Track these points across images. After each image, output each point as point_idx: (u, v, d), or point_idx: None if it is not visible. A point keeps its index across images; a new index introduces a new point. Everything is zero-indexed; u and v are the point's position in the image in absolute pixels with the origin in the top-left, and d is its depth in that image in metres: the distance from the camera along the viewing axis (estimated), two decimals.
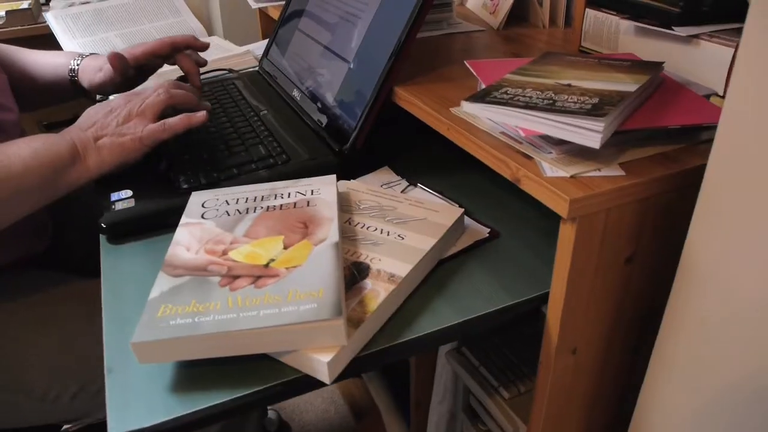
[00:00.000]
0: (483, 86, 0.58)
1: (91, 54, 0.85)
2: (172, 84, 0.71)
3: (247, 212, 0.56)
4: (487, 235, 0.59)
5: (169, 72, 0.89)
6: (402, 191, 0.67)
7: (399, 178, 0.69)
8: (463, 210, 0.58)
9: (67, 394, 0.68)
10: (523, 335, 0.78)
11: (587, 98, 0.47)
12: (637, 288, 0.52)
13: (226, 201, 0.58)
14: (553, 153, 0.49)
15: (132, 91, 0.70)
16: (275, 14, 1.12)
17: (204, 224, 0.55)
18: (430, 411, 0.97)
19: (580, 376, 0.55)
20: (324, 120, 0.74)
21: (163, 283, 0.47)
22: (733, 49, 0.58)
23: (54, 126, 1.47)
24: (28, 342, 0.67)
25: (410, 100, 0.63)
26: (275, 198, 0.58)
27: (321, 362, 0.42)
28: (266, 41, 1.18)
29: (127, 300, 0.53)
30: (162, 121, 0.66)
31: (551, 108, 0.46)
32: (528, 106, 0.47)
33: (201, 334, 0.41)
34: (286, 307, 0.43)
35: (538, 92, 0.50)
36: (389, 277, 0.49)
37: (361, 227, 0.56)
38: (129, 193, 0.65)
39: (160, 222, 0.63)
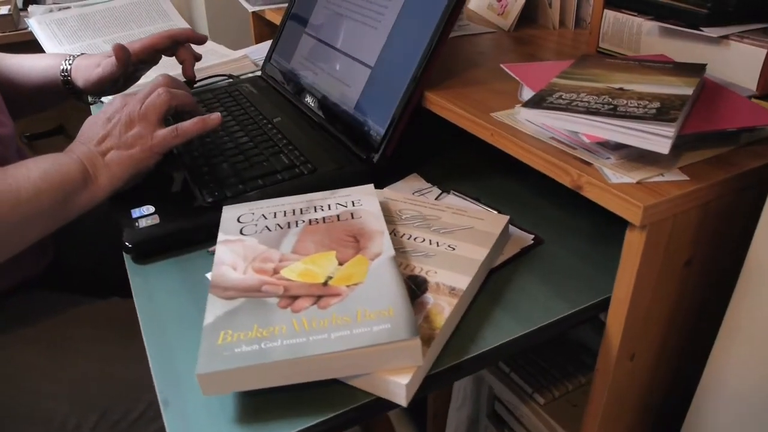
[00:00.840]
0: (526, 90, 0.57)
1: (81, 54, 0.81)
2: (169, 82, 0.67)
3: (289, 226, 0.54)
4: (532, 241, 0.58)
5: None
6: (436, 198, 0.65)
7: (429, 185, 0.68)
8: (508, 217, 0.57)
9: (88, 423, 0.64)
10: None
11: (647, 102, 0.47)
12: (693, 291, 0.52)
13: (263, 215, 0.56)
14: (612, 158, 0.48)
15: (124, 93, 0.65)
16: (272, 17, 1.09)
17: (245, 241, 0.52)
18: (448, 417, 0.96)
19: (635, 381, 0.54)
20: (346, 127, 0.72)
21: (216, 306, 0.44)
22: (765, 50, 0.58)
23: (36, 137, 1.40)
24: (45, 369, 0.63)
25: (445, 105, 0.62)
26: (315, 211, 0.56)
27: (399, 385, 0.40)
28: (261, 45, 1.15)
29: (167, 325, 0.50)
30: (173, 126, 0.63)
31: (614, 113, 0.45)
32: (589, 111, 0.46)
33: (271, 361, 0.39)
34: (357, 329, 0.41)
35: (594, 97, 0.49)
36: (450, 291, 0.48)
37: (408, 238, 0.54)
38: (151, 209, 0.62)
39: (188, 239, 0.60)
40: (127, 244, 0.58)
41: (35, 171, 0.57)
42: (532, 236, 0.58)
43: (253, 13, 1.19)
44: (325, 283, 0.46)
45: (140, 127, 0.62)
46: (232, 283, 0.47)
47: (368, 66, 0.72)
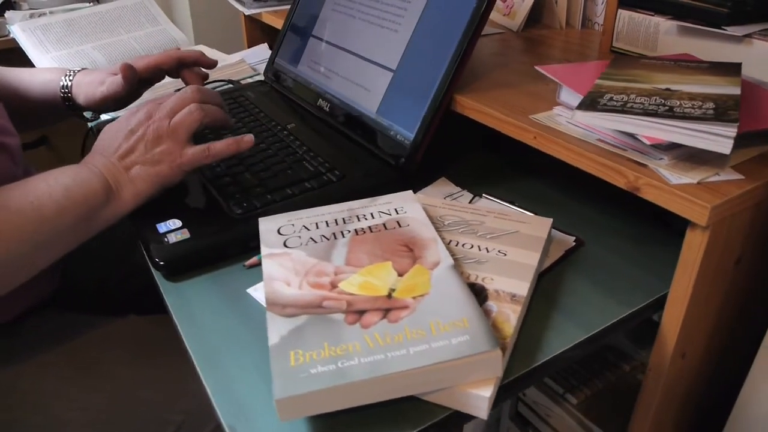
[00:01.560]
0: (565, 92, 0.57)
1: (82, 69, 0.77)
2: (200, 96, 0.62)
3: (335, 237, 0.52)
4: (573, 243, 0.58)
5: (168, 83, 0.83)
6: (469, 202, 0.64)
7: (459, 189, 0.67)
8: (551, 220, 0.56)
9: None
10: None
11: (700, 103, 0.47)
12: (740, 289, 0.52)
13: (305, 226, 0.54)
14: (665, 159, 0.48)
15: (149, 103, 0.62)
16: (269, 20, 1.06)
17: (292, 254, 0.50)
18: None
19: (684, 379, 0.55)
20: (368, 132, 0.71)
21: (278, 325, 0.43)
22: None
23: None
24: (71, 396, 0.60)
25: (480, 108, 0.61)
26: (359, 220, 0.54)
27: (481, 398, 0.39)
28: (257, 48, 1.13)
29: (218, 346, 0.48)
30: (205, 145, 0.60)
31: (672, 114, 0.45)
32: (647, 113, 0.46)
33: (351, 381, 0.38)
34: (435, 342, 0.40)
35: (645, 98, 0.49)
36: (511, 297, 0.47)
37: (456, 245, 0.53)
38: (178, 222, 0.59)
39: (222, 254, 0.57)
40: (158, 261, 0.55)
41: (57, 187, 0.54)
42: (573, 238, 0.58)
43: (246, 15, 1.17)
44: (389, 296, 0.44)
45: (168, 144, 0.59)
46: (290, 300, 0.45)
47: (389, 69, 0.71)
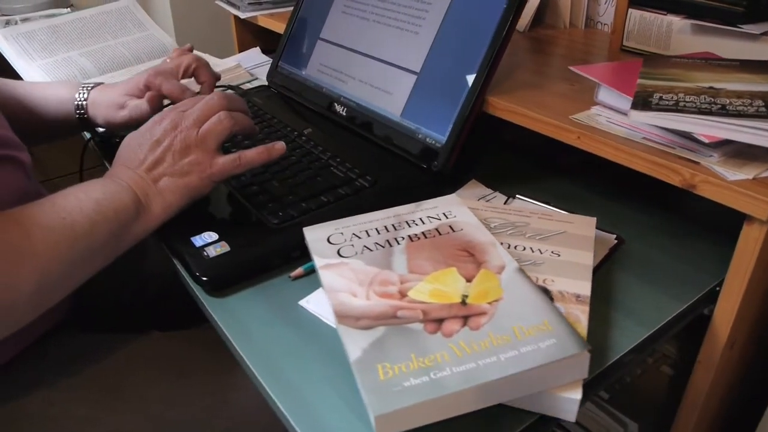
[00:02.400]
0: (604, 91, 0.57)
1: (96, 85, 0.74)
2: (227, 103, 0.60)
3: (389, 245, 0.51)
4: (615, 241, 0.59)
5: None
6: (504, 204, 0.64)
7: (491, 190, 0.67)
8: (595, 219, 0.57)
9: None
10: None
11: (750, 101, 0.48)
12: None
13: (355, 234, 0.53)
14: (715, 156, 0.49)
15: (172, 111, 0.59)
16: (266, 23, 1.04)
17: (350, 263, 0.49)
18: None
19: (729, 369, 0.56)
20: (392, 136, 0.70)
21: (355, 339, 0.42)
22: None
23: None
24: (102, 421, 0.57)
25: (513, 109, 0.61)
26: (408, 226, 0.54)
27: (572, 401, 0.39)
28: (250, 52, 1.11)
29: (277, 361, 0.46)
30: (236, 154, 0.58)
31: (726, 113, 0.46)
32: (701, 111, 0.47)
33: (449, 392, 0.37)
34: (523, 347, 0.40)
35: (694, 96, 0.50)
36: (576, 298, 0.47)
37: (508, 248, 0.53)
38: (214, 235, 0.57)
39: (265, 266, 0.56)
40: (200, 276, 0.53)
41: (87, 202, 0.52)
42: (614, 236, 0.59)
43: (237, 18, 1.14)
44: (463, 302, 0.44)
45: (197, 154, 0.56)
46: (361, 312, 0.44)
47: (412, 72, 0.70)
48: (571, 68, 0.61)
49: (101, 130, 0.77)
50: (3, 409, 0.55)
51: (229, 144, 0.71)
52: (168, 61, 0.75)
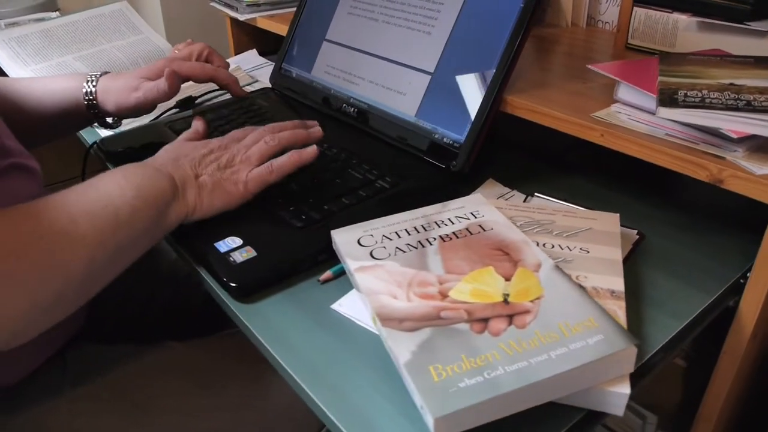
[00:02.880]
0: (624, 88, 0.58)
1: (104, 73, 0.73)
2: (277, 126, 0.64)
3: (422, 246, 0.51)
4: (637, 236, 0.59)
5: None
6: (523, 202, 0.65)
7: (509, 189, 0.67)
8: (618, 215, 0.58)
9: None
10: None
11: None
12: None
13: (385, 236, 0.53)
14: (739, 151, 0.50)
15: (231, 136, 0.62)
16: (265, 25, 1.03)
17: (385, 265, 0.49)
18: None
19: (751, 359, 0.57)
20: (409, 136, 0.70)
21: (402, 341, 0.41)
22: None
23: None
24: None
25: (533, 108, 0.62)
26: (438, 226, 0.54)
27: (622, 395, 0.40)
28: (247, 54, 1.10)
29: (317, 366, 0.46)
30: (268, 162, 0.59)
31: (753, 108, 0.47)
32: (728, 107, 0.48)
33: (505, 392, 0.37)
34: (572, 344, 0.40)
35: (717, 93, 0.51)
36: (611, 294, 0.48)
37: (537, 245, 0.54)
38: (238, 240, 0.57)
39: (293, 270, 0.55)
40: (230, 282, 0.53)
41: (128, 188, 0.51)
42: (635, 231, 0.60)
43: (233, 20, 1.13)
44: (505, 301, 0.44)
45: (239, 166, 0.58)
46: (405, 313, 0.44)
47: (426, 72, 0.70)
48: (590, 66, 0.61)
49: (111, 121, 0.76)
50: (28, 422, 0.54)
51: None
52: (176, 52, 0.74)
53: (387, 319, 0.43)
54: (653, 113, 0.55)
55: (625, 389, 0.40)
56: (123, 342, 0.66)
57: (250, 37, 1.16)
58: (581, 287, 0.46)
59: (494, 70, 0.63)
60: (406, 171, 0.66)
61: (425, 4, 0.73)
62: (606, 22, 0.91)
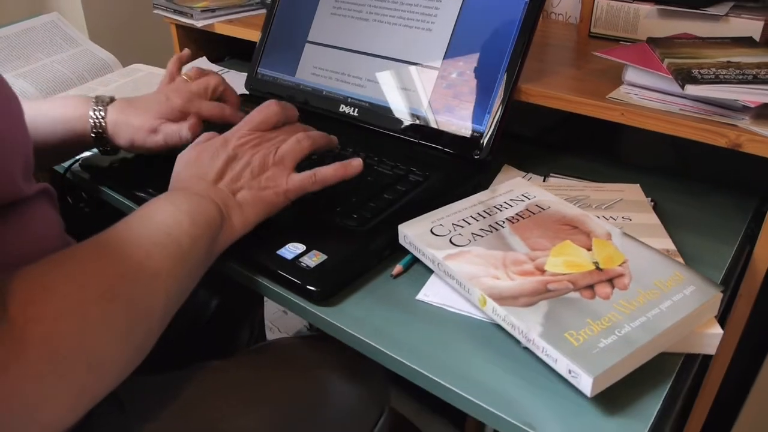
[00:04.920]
0: (631, 71, 0.64)
1: (111, 101, 0.67)
2: (300, 126, 0.62)
3: (494, 229, 0.54)
4: (653, 203, 0.66)
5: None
6: (543, 182, 0.70)
7: (524, 172, 0.72)
8: (639, 185, 0.64)
9: None
10: None
11: None
12: None
13: (454, 224, 0.55)
14: (747, 119, 0.58)
15: (249, 122, 0.58)
16: (225, 30, 1.00)
17: (472, 251, 0.51)
18: None
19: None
20: (424, 130, 0.72)
21: (527, 316, 0.44)
22: (762, 23, 0.74)
23: None
24: None
25: (549, 94, 0.67)
26: (499, 210, 0.57)
27: (715, 335, 0.45)
28: (198, 62, 1.07)
29: (434, 356, 0.47)
30: (312, 171, 0.57)
31: (760, 80, 0.55)
32: (741, 81, 0.56)
33: (639, 345, 0.41)
34: (674, 297, 0.45)
35: (723, 70, 0.58)
36: (668, 252, 0.54)
37: None
38: (301, 246, 0.56)
39: (364, 268, 0.56)
40: (307, 286, 0.52)
41: (183, 216, 0.49)
42: (650, 198, 0.67)
43: (179, 27, 1.08)
44: (598, 268, 0.48)
45: (274, 171, 0.56)
46: (516, 291, 0.46)
47: (432, 68, 0.73)
48: (596, 53, 0.67)
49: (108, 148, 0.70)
50: None
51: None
52: (185, 78, 0.71)
53: (501, 298, 0.46)
54: (663, 92, 0.62)
55: (718, 330, 0.46)
56: (161, 369, 0.62)
57: (197, 44, 1.12)
58: (653, 248, 0.52)
59: (508, 60, 0.67)
60: (429, 163, 0.69)
61: (421, 2, 0.75)
62: (559, 14, 0.99)
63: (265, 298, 0.95)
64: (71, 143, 0.65)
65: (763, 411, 0.78)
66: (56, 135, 0.64)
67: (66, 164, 0.74)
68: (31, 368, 0.34)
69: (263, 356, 0.69)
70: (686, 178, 0.72)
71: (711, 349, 0.46)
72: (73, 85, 0.96)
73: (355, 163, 0.59)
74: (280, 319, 1.43)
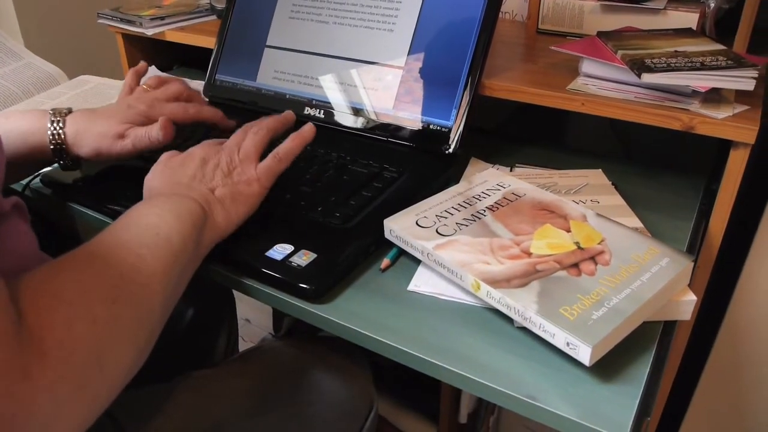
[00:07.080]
0: (587, 63, 0.68)
1: (69, 112, 0.64)
2: (249, 123, 0.63)
3: (476, 218, 0.56)
4: (614, 185, 0.70)
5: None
6: (511, 172, 0.73)
7: (491, 164, 0.75)
8: (600, 170, 0.68)
9: None
10: None
11: (714, 58, 0.63)
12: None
13: (437, 215, 0.57)
14: (695, 103, 0.63)
15: (207, 143, 0.59)
16: (176, 38, 0.98)
17: (459, 239, 0.53)
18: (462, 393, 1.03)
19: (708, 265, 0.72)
20: (392, 128, 0.74)
21: (522, 296, 0.46)
22: (697, 15, 0.80)
23: None
24: None
25: (512, 88, 0.70)
26: (478, 200, 0.59)
27: (689, 302, 0.49)
28: (151, 69, 1.04)
29: (440, 345, 0.48)
30: (273, 151, 0.59)
31: (707, 67, 0.60)
32: (691, 68, 0.60)
33: (628, 315, 0.44)
34: (652, 269, 0.48)
35: (673, 59, 0.63)
36: (637, 230, 0.57)
37: None
38: (289, 246, 0.56)
39: (353, 264, 0.57)
40: (301, 284, 0.53)
41: (168, 216, 0.49)
42: (611, 182, 0.71)
43: (125, 36, 1.05)
44: (579, 248, 0.51)
45: (242, 166, 0.57)
46: (508, 274, 0.49)
47: (396, 67, 0.75)
48: (553, 47, 0.71)
49: (69, 162, 0.68)
50: None
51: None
52: (145, 87, 0.69)
53: (495, 281, 0.48)
54: (619, 81, 0.66)
55: (692, 296, 0.49)
56: (146, 381, 0.61)
57: (144, 53, 1.09)
58: (625, 226, 0.55)
59: (471, 56, 0.70)
60: (401, 160, 0.70)
61: (381, 3, 0.77)
62: (506, 12, 1.03)
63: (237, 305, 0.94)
64: (31, 159, 0.63)
65: (724, 368, 0.84)
66: (17, 151, 0.62)
67: (24, 181, 0.71)
68: (50, 375, 0.33)
69: (251, 363, 0.69)
70: (634, 162, 0.76)
71: (686, 315, 0.50)
72: (19, 100, 0.91)
73: (307, 128, 0.62)
74: (243, 327, 1.41)
